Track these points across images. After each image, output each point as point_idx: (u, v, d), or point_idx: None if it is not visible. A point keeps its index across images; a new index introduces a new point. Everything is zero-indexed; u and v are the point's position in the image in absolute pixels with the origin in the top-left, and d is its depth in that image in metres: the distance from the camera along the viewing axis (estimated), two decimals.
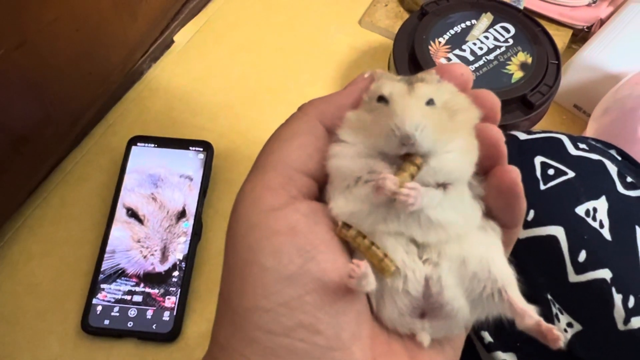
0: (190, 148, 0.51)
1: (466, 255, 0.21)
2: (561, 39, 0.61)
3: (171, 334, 0.44)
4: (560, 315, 0.29)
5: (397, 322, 0.22)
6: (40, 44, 0.44)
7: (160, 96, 0.58)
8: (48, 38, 0.45)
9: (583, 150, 0.32)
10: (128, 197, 0.49)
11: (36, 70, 0.45)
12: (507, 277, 0.21)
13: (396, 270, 0.21)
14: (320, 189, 0.22)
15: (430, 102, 0.21)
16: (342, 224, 0.21)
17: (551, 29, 0.61)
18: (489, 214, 0.22)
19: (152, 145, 0.51)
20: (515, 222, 0.22)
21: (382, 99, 0.21)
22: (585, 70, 0.55)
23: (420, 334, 0.22)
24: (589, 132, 0.49)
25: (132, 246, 0.46)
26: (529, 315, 0.20)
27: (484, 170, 0.22)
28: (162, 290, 0.45)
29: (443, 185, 0.21)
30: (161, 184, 0.49)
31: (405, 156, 0.20)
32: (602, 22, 0.61)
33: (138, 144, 0.51)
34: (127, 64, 0.56)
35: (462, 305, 0.21)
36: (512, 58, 0.46)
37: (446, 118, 0.21)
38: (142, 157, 0.51)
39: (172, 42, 0.61)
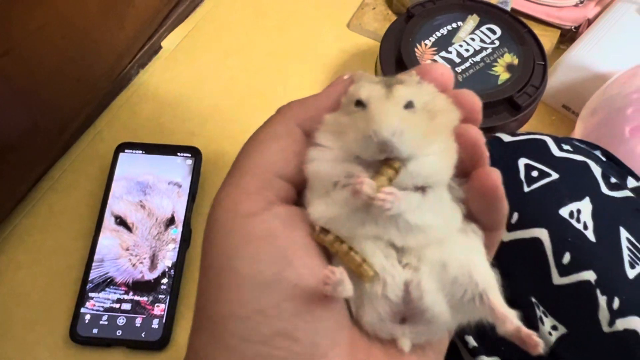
0: (179, 154, 0.51)
1: (447, 259, 0.21)
2: (549, 39, 0.61)
3: (161, 342, 0.43)
4: (544, 318, 0.29)
5: (377, 327, 0.21)
6: (26, 52, 0.44)
7: (149, 102, 0.58)
8: (34, 45, 0.45)
9: (567, 151, 0.31)
10: (116, 204, 0.48)
11: (23, 77, 0.45)
12: (488, 281, 0.21)
13: (375, 275, 0.20)
14: (298, 192, 0.22)
15: (409, 105, 0.20)
16: (320, 229, 0.21)
17: (539, 30, 0.61)
18: (470, 216, 0.22)
19: (140, 151, 0.51)
20: (497, 224, 0.22)
21: (359, 103, 0.21)
22: (573, 71, 0.55)
23: (401, 340, 0.22)
24: (577, 133, 0.49)
25: (120, 254, 0.46)
26: (509, 320, 0.20)
27: (465, 172, 0.21)
28: (151, 298, 0.45)
29: (422, 189, 0.21)
30: (149, 191, 0.49)
31: (383, 160, 0.20)
32: (589, 22, 0.61)
33: (126, 150, 0.51)
34: (115, 71, 0.56)
35: (443, 310, 0.21)
36: (498, 59, 0.46)
37: (425, 121, 0.20)
38: (130, 164, 0.50)
39: (160, 47, 0.61)
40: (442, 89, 0.22)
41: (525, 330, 0.20)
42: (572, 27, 0.61)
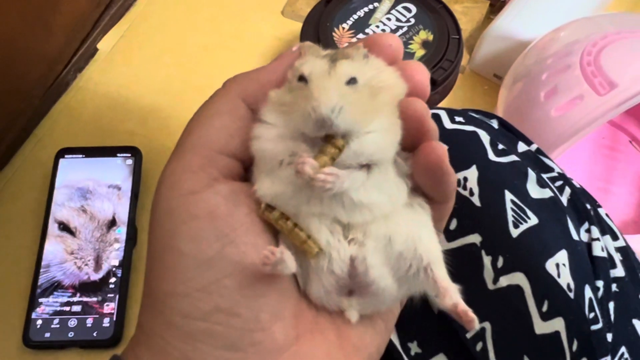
0: (118, 155, 0.52)
1: (392, 234, 0.21)
2: (479, 10, 0.62)
3: (113, 340, 0.44)
4: None
5: (324, 300, 0.22)
6: None
7: (88, 106, 0.58)
8: None
9: (459, 123, 0.33)
10: (59, 211, 0.49)
11: None
12: (433, 255, 0.21)
13: (319, 251, 0.21)
14: (245, 169, 0.22)
15: (351, 81, 0.20)
16: (265, 206, 0.21)
17: (469, 2, 0.62)
18: (417, 190, 0.22)
19: (80, 155, 0.52)
20: (445, 197, 0.22)
21: (302, 78, 0.21)
22: (499, 40, 0.56)
23: (348, 311, 0.22)
24: (501, 101, 0.51)
25: (66, 259, 0.47)
26: (449, 295, 0.21)
27: (412, 146, 0.21)
28: (99, 298, 0.46)
29: (367, 166, 0.21)
30: (90, 196, 0.50)
31: (326, 138, 0.20)
32: None
33: (66, 156, 0.52)
34: (49, 78, 0.56)
35: (389, 284, 0.22)
36: (414, 37, 0.48)
37: (367, 97, 0.20)
38: (71, 169, 0.51)
39: (96, 50, 0.61)
40: (391, 60, 0.21)
41: (462, 306, 0.20)
42: None
